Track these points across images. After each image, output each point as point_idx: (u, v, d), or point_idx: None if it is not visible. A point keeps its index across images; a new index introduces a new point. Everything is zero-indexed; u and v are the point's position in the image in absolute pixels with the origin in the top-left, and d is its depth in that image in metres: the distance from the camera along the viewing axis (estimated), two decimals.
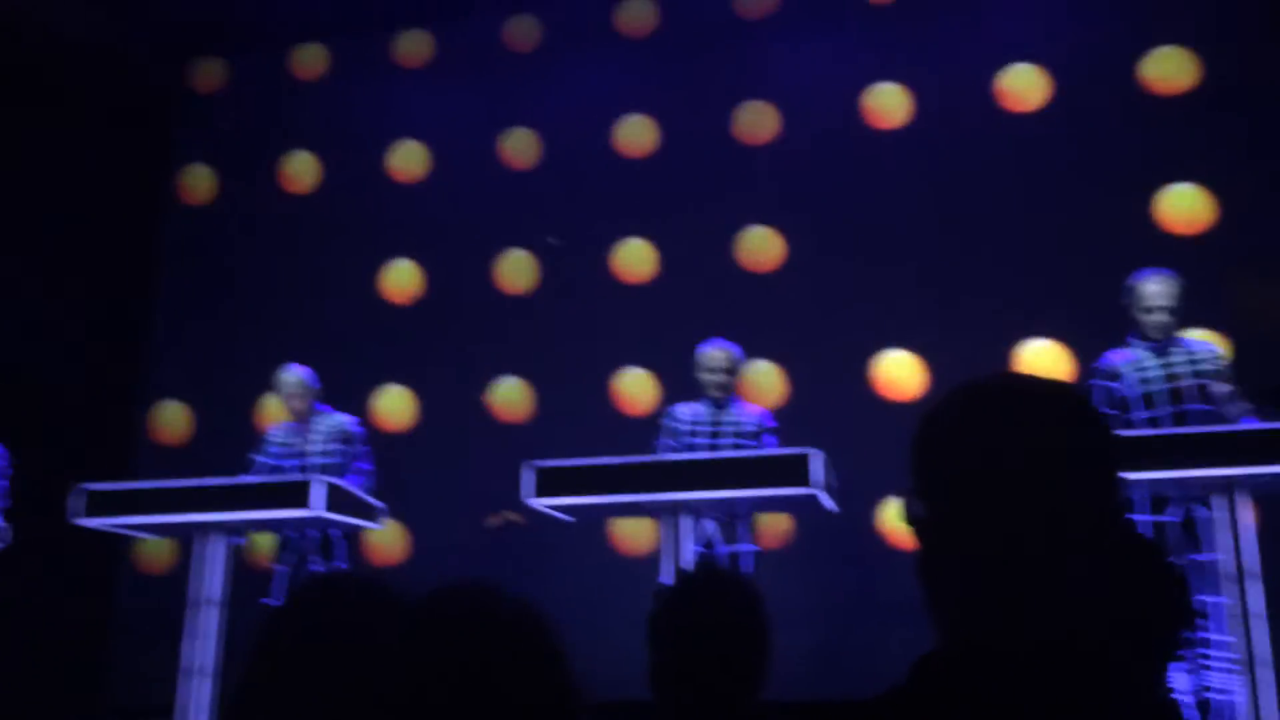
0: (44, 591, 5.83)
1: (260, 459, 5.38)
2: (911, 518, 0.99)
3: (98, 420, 7.07)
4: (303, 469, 5.19)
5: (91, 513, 4.48)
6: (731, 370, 4.97)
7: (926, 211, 6.48)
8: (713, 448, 4.86)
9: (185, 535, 4.67)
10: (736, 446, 4.85)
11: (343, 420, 5.37)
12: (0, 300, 6.62)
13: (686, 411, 5.02)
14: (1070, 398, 0.97)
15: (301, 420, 5.35)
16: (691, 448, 4.90)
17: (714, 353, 4.98)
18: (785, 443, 4.94)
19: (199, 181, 7.95)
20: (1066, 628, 0.90)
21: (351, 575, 1.42)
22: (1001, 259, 6.26)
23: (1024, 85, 6.60)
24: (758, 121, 7.00)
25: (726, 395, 4.98)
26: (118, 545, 6.84)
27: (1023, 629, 0.90)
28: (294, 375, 5.35)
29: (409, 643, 1.03)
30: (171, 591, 5.04)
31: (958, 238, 6.38)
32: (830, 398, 6.29)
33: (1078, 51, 6.54)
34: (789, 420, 6.19)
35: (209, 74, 8.12)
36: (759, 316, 6.53)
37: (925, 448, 0.99)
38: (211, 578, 4.47)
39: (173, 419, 7.43)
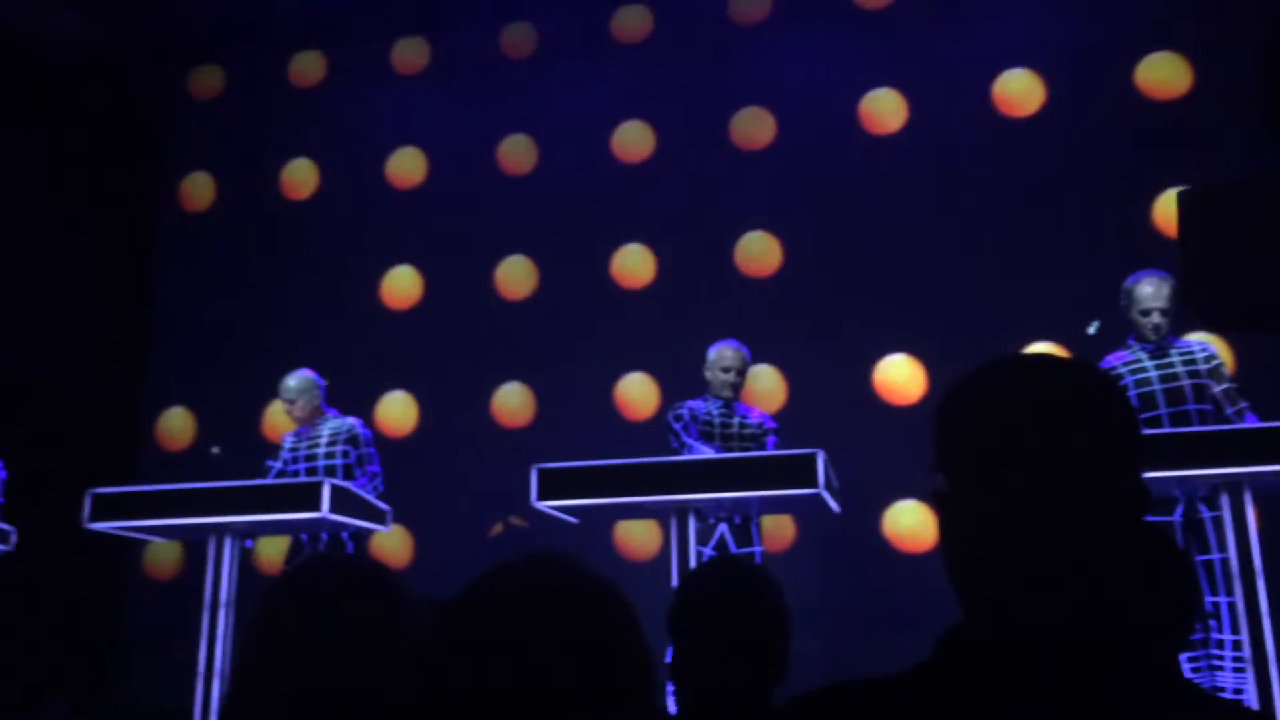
0: (53, 596, 5.82)
1: (274, 464, 5.40)
2: (934, 493, 1.00)
3: (103, 427, 7.09)
4: (311, 472, 5.21)
5: (102, 516, 4.49)
6: (742, 370, 5.01)
7: (923, 216, 6.53)
8: (725, 447, 4.89)
9: (193, 538, 4.68)
10: (742, 448, 4.88)
11: (350, 422, 5.39)
12: (2, 309, 6.62)
13: (700, 408, 5.05)
14: (1093, 373, 0.99)
15: (308, 424, 5.37)
16: (711, 438, 4.92)
17: (728, 352, 5.02)
18: (785, 446, 4.98)
19: (199, 188, 7.97)
20: (1087, 605, 0.91)
21: (349, 555, 1.41)
22: (999, 263, 6.32)
23: (1020, 90, 6.66)
24: (754, 126, 7.05)
25: (735, 396, 5.02)
26: (125, 551, 6.85)
27: (1043, 605, 0.91)
28: (298, 379, 5.37)
29: (474, 613, 1.02)
30: (179, 596, 5.05)
31: (955, 242, 6.44)
32: (829, 401, 6.34)
33: (1073, 56, 6.60)
34: (788, 423, 6.25)
35: (207, 81, 8.15)
36: (757, 321, 6.58)
37: (947, 423, 1.00)
38: (223, 580, 4.49)
39: (177, 425, 7.44)
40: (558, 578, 1.04)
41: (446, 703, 0.99)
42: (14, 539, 5.05)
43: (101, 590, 6.75)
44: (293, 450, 5.36)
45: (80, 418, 6.88)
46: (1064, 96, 6.56)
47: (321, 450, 5.28)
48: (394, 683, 1.14)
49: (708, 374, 5.04)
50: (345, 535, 5.09)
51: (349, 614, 1.22)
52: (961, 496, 0.97)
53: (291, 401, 5.31)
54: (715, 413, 5.00)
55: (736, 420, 4.98)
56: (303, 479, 4.97)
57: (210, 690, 4.32)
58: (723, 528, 4.67)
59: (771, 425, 5.02)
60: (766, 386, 6.49)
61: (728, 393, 4.98)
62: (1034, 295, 6.13)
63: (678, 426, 4.97)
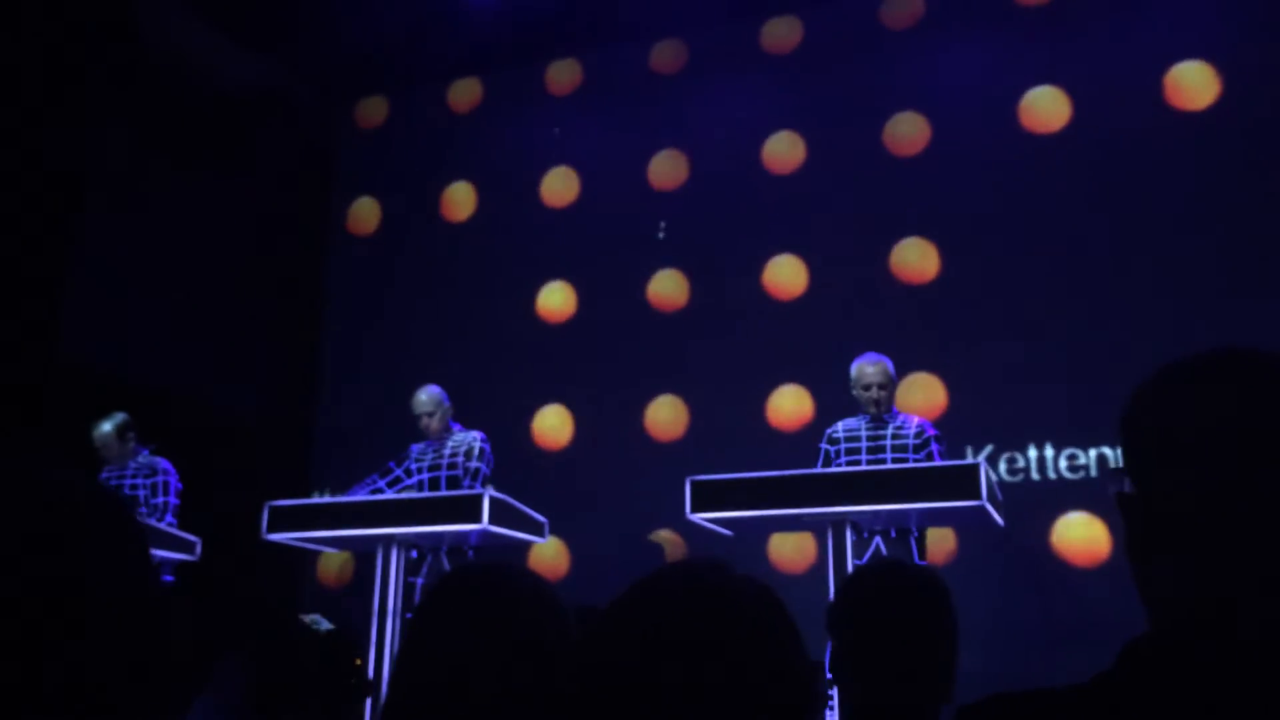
0: (231, 606, 6.14)
1: (396, 468, 5.53)
2: (1120, 496, 0.96)
3: (277, 444, 7.47)
4: (434, 484, 5.35)
5: (279, 528, 4.73)
6: (885, 384, 4.88)
7: (1089, 216, 6.27)
8: (872, 463, 4.78)
9: (363, 550, 4.87)
10: (899, 460, 4.76)
11: (474, 436, 5.50)
12: (186, 335, 7.06)
13: (842, 429, 4.97)
14: None
15: (436, 438, 5.51)
16: (858, 454, 4.84)
17: (865, 368, 4.90)
18: (949, 456, 4.85)
19: (365, 213, 8.34)
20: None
21: (501, 562, 1.44)
22: (1168, 265, 6.01)
23: (1193, 83, 6.33)
24: (909, 132, 6.91)
25: (884, 409, 4.91)
26: (297, 561, 7.18)
27: (1240, 616, 0.86)
28: (427, 394, 5.51)
29: (634, 617, 1.03)
30: (349, 604, 5.25)
31: (1125, 242, 6.15)
32: (988, 406, 6.14)
33: (1248, 45, 6.24)
34: (947, 431, 6.09)
35: (372, 111, 8.53)
36: (915, 329, 6.44)
37: (1135, 422, 0.95)
38: (390, 588, 4.66)
39: (344, 441, 7.77)
40: (717, 583, 1.03)
41: (597, 704, 1.00)
42: (199, 549, 5.36)
43: (279, 596, 7.09)
44: (419, 461, 5.52)
45: (256, 433, 7.27)
46: (1239, 89, 6.20)
47: (445, 461, 5.41)
48: (544, 684, 1.16)
49: (853, 391, 4.95)
50: (467, 546, 5.19)
51: (502, 616, 1.26)
52: (1150, 500, 0.92)
53: (430, 414, 5.46)
54: (864, 429, 4.91)
55: (889, 432, 4.87)
56: (427, 492, 5.10)
57: (378, 696, 4.47)
58: (878, 541, 4.56)
59: (933, 432, 4.88)
60: (926, 394, 6.34)
61: (873, 409, 4.88)
62: (1208, 299, 5.80)
63: (822, 455, 4.94)
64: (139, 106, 6.97)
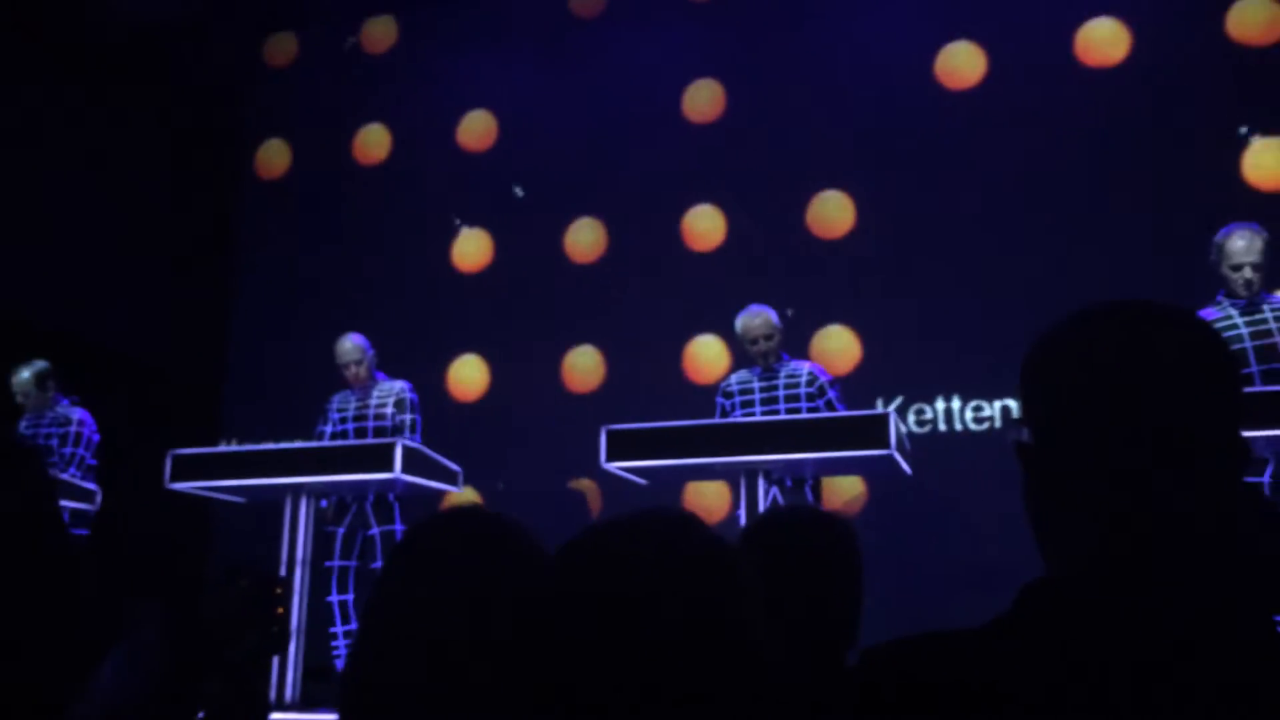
0: (137, 556, 6.01)
1: (325, 429, 5.47)
2: (1018, 445, 0.97)
3: (183, 391, 7.27)
4: (360, 433, 5.28)
5: (182, 477, 4.61)
6: (770, 335, 4.92)
7: (1002, 172, 6.36)
8: (767, 414, 4.83)
9: (269, 498, 4.78)
10: (792, 409, 4.81)
11: (400, 385, 5.43)
12: (83, 276, 6.81)
13: (735, 381, 5.03)
14: (1191, 321, 0.94)
15: (361, 386, 5.43)
16: (752, 406, 4.90)
17: (750, 322, 4.93)
18: (859, 407, 4.92)
19: (275, 155, 8.10)
20: (1179, 561, 0.88)
21: (480, 509, 1.36)
22: (1081, 215, 6.13)
23: (1104, 39, 6.43)
24: (828, 85, 6.91)
25: (773, 359, 4.95)
26: (206, 511, 7.03)
27: (1133, 562, 0.88)
28: (352, 343, 5.42)
29: (590, 569, 1.00)
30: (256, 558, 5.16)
31: (1037, 197, 6.26)
32: (899, 359, 6.24)
33: (1160, 4, 6.36)
34: (859, 383, 6.17)
35: (282, 48, 8.25)
36: (828, 282, 6.49)
37: (1034, 370, 0.96)
38: (299, 538, 4.58)
39: (253, 388, 7.60)
40: (681, 533, 1.01)
41: (563, 655, 0.97)
42: (99, 499, 5.21)
43: (183, 549, 6.94)
44: (341, 410, 5.43)
45: (166, 381, 7.07)
46: (1150, 45, 6.32)
47: (371, 412, 5.34)
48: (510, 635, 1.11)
49: (744, 346, 4.99)
50: (391, 497, 5.15)
51: (471, 566, 1.20)
52: (1046, 447, 0.93)
53: (358, 363, 5.37)
54: (756, 380, 4.96)
55: (781, 382, 4.91)
56: (369, 440, 5.03)
57: (286, 645, 4.41)
58: (774, 491, 4.61)
59: (826, 378, 4.94)
60: (840, 345, 6.41)
61: (762, 360, 4.93)
62: (1118, 248, 5.94)
63: (718, 408, 5.01)
64: (44, 38, 6.65)
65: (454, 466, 4.94)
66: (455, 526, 1.27)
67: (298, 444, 4.60)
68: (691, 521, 1.03)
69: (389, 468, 4.37)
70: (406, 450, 4.47)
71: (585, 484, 6.54)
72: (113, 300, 6.93)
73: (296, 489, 4.63)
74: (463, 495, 5.69)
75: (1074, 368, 0.93)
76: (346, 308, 7.15)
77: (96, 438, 5.43)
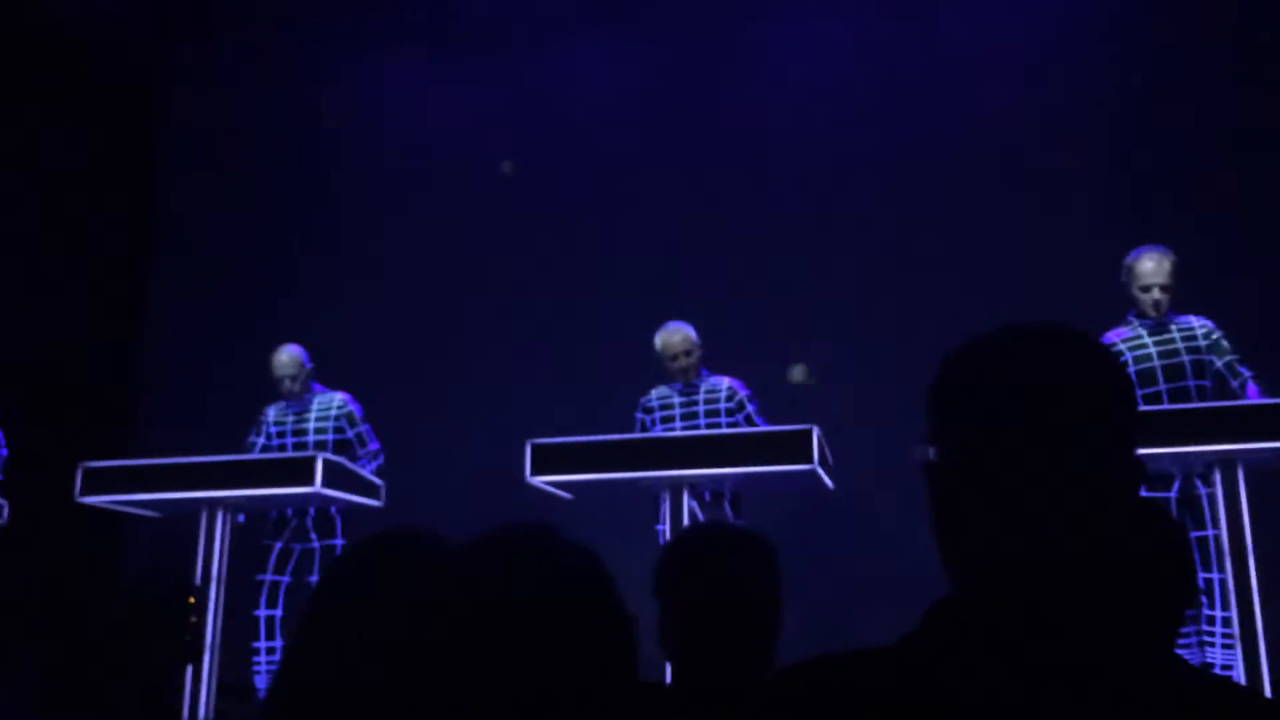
0: (47, 570, 5.82)
1: (258, 440, 5.37)
2: (924, 463, 0.99)
3: (96, 400, 7.07)
4: (300, 448, 5.19)
5: (94, 490, 4.48)
6: (689, 351, 4.95)
7: (909, 195, 6.50)
8: (687, 429, 4.86)
9: (186, 512, 4.67)
10: (712, 424, 4.85)
11: (340, 398, 5.36)
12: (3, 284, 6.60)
13: (656, 397, 5.05)
14: (1090, 343, 0.97)
15: (297, 399, 5.34)
16: (672, 422, 4.92)
17: (669, 339, 4.97)
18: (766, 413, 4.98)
19: (191, 160, 7.95)
20: (1079, 579, 0.90)
21: (408, 528, 1.38)
22: (997, 239, 6.28)
23: (1001, 71, 6.60)
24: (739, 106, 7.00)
25: (693, 375, 4.98)
26: (118, 525, 6.84)
27: (1034, 577, 0.90)
28: (288, 354, 5.33)
29: (464, 582, 1.04)
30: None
31: (945, 221, 6.39)
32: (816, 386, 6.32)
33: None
34: (786, 402, 6.21)
35: (197, 53, 8.10)
36: (749, 284, 6.55)
37: (940, 392, 0.99)
38: (215, 555, 4.48)
39: (170, 398, 7.42)
40: (541, 546, 1.04)
41: (445, 664, 1.00)
42: (5, 513, 5.04)
43: (95, 564, 6.74)
44: (279, 424, 5.34)
45: (77, 393, 6.87)
46: (1030, 83, 6.51)
47: (311, 425, 5.26)
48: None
49: (663, 363, 5.01)
50: (334, 510, 5.08)
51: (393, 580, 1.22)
52: (951, 467, 0.95)
53: (293, 377, 5.28)
54: (676, 396, 4.98)
55: (701, 397, 4.95)
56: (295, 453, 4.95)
57: (201, 661, 4.31)
58: (692, 503, 4.63)
59: (745, 393, 4.98)
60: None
61: (682, 377, 4.96)
62: (1026, 270, 6.07)
63: (638, 423, 5.03)
64: None
65: (375, 480, 4.88)
66: (387, 547, 1.29)
67: (213, 457, 4.49)
68: (553, 532, 1.08)
69: (309, 482, 4.29)
70: (327, 464, 4.40)
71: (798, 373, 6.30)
72: (19, 310, 6.71)
73: (213, 503, 4.53)
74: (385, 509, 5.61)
75: (977, 388, 0.95)
76: (266, 316, 7.02)
77: (4, 452, 5.26)
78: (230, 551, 4.63)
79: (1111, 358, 0.98)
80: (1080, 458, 0.90)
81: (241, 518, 4.91)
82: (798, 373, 5.42)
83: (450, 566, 1.05)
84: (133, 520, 5.30)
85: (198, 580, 4.41)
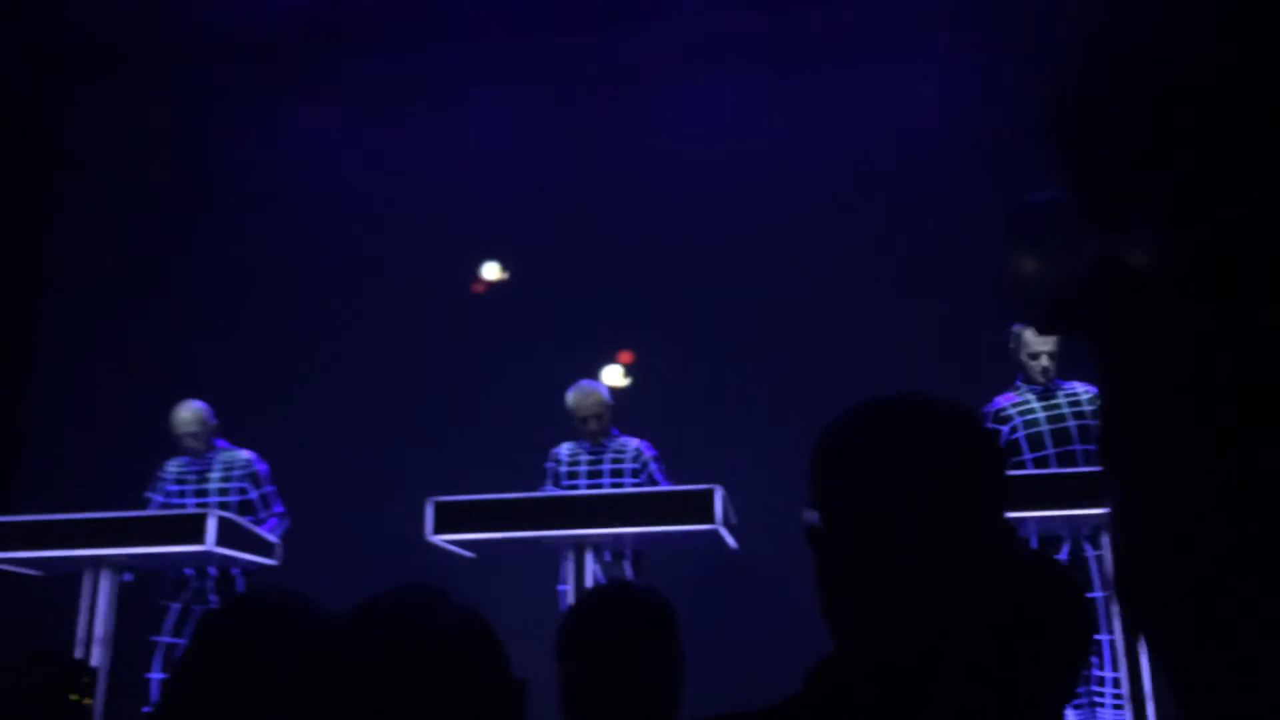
0: None
1: (156, 497, 5.21)
2: (809, 528, 1.02)
3: None
4: (203, 507, 5.04)
5: None
6: (600, 413, 5.00)
7: (794, 257, 6.63)
8: (591, 488, 4.88)
9: (68, 572, 4.48)
10: (616, 484, 4.87)
11: (245, 456, 5.23)
12: None
13: (565, 451, 5.07)
14: (963, 414, 1.02)
15: (199, 456, 5.20)
16: (577, 478, 4.94)
17: (580, 400, 5.01)
18: (669, 474, 5.01)
19: (86, 198, 7.76)
20: (960, 637, 0.93)
21: (278, 591, 1.39)
22: (884, 306, 6.44)
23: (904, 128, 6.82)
24: (646, 165, 7.12)
25: (603, 434, 5.02)
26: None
27: (913, 637, 0.93)
28: (190, 410, 5.20)
29: (353, 643, 1.04)
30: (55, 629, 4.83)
31: (836, 286, 6.53)
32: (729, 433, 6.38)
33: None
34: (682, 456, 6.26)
35: (100, 100, 7.94)
36: (679, 340, 6.60)
37: (823, 460, 1.03)
38: (99, 615, 4.30)
39: (56, 451, 7.15)
40: (426, 609, 1.06)
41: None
42: None
43: None
44: (179, 482, 5.19)
45: None
46: (946, 137, 6.73)
47: (213, 486, 5.12)
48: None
49: (573, 421, 5.04)
50: (236, 571, 4.94)
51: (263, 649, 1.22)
52: (835, 532, 0.98)
53: (195, 435, 5.15)
54: (583, 454, 5.01)
55: (608, 457, 4.98)
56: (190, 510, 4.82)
57: None
58: (594, 567, 4.62)
59: (651, 454, 5.03)
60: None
61: (591, 438, 5.00)
62: (914, 336, 6.21)
63: (549, 475, 5.03)
64: None
65: (271, 538, 4.76)
66: (251, 610, 1.29)
67: (97, 514, 4.32)
68: (441, 596, 1.11)
69: (199, 540, 4.16)
70: (222, 521, 4.28)
71: None
72: None
73: (98, 561, 4.36)
74: (282, 569, 5.47)
75: (858, 456, 0.99)
76: (159, 369, 6.84)
77: None
78: (121, 610, 4.46)
79: (978, 425, 1.03)
80: (948, 524, 0.94)
81: (129, 576, 4.74)
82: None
83: (323, 631, 1.06)
84: (13, 578, 5.07)
85: (79, 644, 4.23)
